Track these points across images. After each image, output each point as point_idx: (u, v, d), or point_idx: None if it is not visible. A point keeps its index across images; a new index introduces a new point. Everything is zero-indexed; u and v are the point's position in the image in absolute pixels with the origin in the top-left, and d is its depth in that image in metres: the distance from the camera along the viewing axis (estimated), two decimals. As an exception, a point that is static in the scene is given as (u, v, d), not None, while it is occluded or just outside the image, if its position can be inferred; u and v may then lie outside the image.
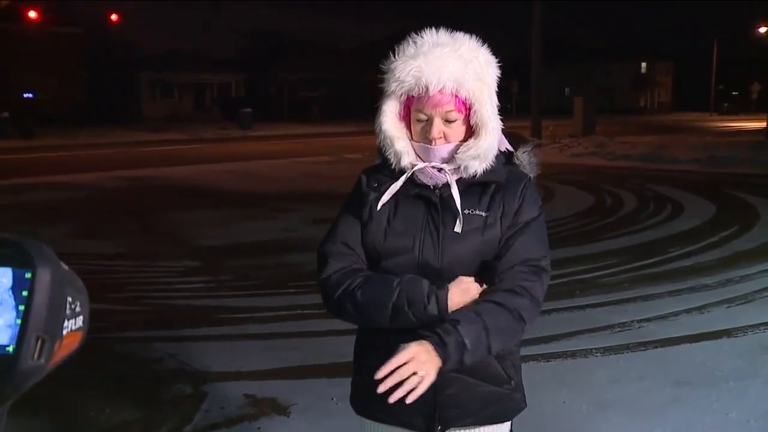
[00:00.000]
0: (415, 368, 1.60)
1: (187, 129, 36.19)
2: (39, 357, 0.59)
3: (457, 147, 1.81)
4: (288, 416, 3.97)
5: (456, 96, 1.77)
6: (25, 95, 42.21)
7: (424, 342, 1.64)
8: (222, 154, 22.73)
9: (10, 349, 0.58)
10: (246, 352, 4.94)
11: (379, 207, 1.83)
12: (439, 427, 1.86)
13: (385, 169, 1.88)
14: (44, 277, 0.58)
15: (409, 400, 1.60)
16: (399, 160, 1.84)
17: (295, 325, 5.49)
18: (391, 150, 1.84)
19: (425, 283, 1.74)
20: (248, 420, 3.94)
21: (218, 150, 24.43)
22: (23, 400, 0.78)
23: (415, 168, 1.82)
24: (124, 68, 48.37)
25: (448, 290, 1.73)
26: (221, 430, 3.83)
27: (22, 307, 0.58)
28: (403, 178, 1.83)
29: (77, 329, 0.62)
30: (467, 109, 1.79)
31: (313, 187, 14.40)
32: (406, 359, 1.60)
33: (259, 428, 3.84)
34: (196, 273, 7.46)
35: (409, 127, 1.85)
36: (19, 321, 0.58)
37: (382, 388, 1.59)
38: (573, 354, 4.86)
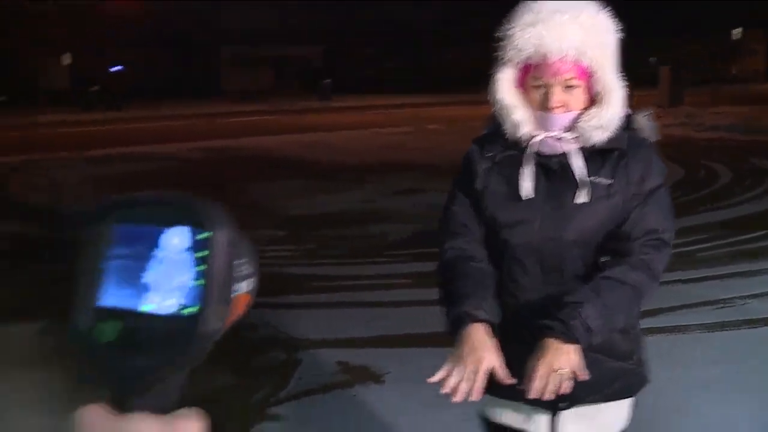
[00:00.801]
0: (556, 369, 1.59)
1: (268, 101, 36.70)
2: (217, 319, 0.57)
3: (578, 116, 1.75)
4: (382, 384, 3.96)
5: (577, 64, 1.71)
6: (113, 69, 43.50)
7: (547, 345, 1.61)
8: (302, 125, 22.93)
9: (193, 309, 0.56)
10: (338, 320, 4.96)
11: (524, 196, 1.77)
12: (567, 404, 1.81)
13: (498, 138, 1.83)
14: (222, 238, 0.57)
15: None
16: (516, 130, 1.78)
17: (386, 294, 5.48)
18: (508, 120, 1.78)
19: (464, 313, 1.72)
20: (341, 387, 3.94)
21: (298, 121, 24.66)
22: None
23: (535, 140, 1.76)
24: (205, 42, 49.26)
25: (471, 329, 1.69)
26: (316, 395, 3.85)
27: (200, 268, 0.56)
28: (530, 156, 1.77)
29: (248, 292, 0.61)
30: (588, 77, 1.73)
31: (393, 157, 14.36)
32: (546, 376, 1.58)
33: (354, 395, 3.84)
34: (281, 242, 7.53)
35: (525, 95, 1.79)
36: (199, 282, 0.56)
37: (534, 395, 1.59)
38: (674, 329, 4.68)
